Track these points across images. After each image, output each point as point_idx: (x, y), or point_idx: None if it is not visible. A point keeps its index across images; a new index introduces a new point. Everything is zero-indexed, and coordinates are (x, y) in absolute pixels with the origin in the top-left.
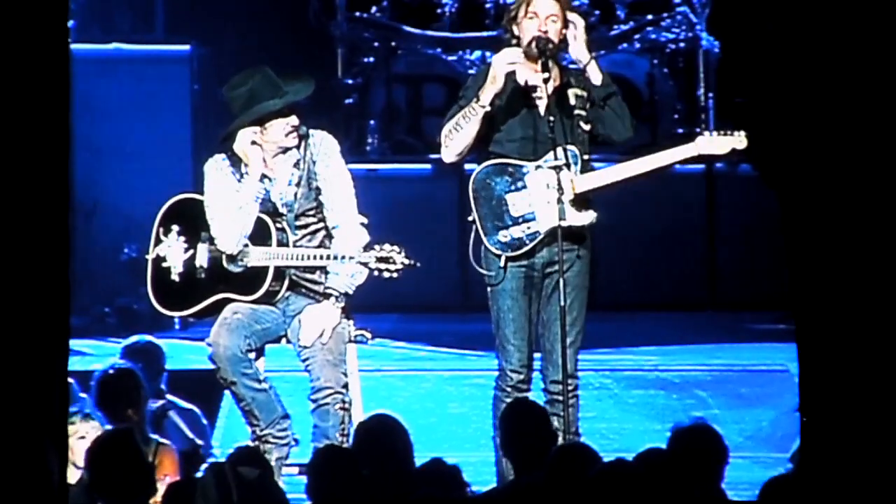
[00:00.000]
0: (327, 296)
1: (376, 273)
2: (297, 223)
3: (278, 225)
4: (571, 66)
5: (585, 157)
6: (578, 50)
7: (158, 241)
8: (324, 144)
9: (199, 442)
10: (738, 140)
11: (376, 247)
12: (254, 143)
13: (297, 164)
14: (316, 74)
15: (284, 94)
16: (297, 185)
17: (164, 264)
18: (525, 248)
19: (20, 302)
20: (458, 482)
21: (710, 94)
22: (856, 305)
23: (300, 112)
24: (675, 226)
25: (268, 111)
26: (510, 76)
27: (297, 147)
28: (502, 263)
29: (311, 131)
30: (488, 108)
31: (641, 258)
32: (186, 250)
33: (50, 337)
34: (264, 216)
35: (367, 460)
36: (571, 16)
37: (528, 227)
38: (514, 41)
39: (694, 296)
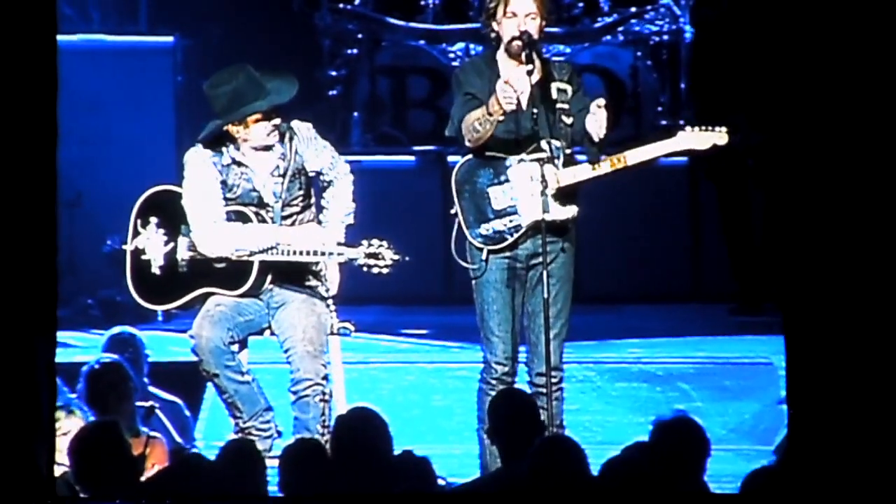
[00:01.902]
0: (312, 288)
1: (365, 269)
2: (283, 213)
3: (262, 218)
4: (555, 59)
5: (568, 150)
6: (595, 128)
7: (136, 234)
8: (305, 133)
9: (180, 440)
10: (719, 135)
11: (364, 242)
12: None
13: (282, 157)
14: (300, 66)
15: (268, 93)
16: (283, 175)
17: (144, 257)
18: (507, 242)
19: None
20: (428, 474)
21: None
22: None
23: (283, 109)
24: (659, 218)
25: (253, 112)
26: (495, 71)
27: (280, 142)
28: (485, 256)
29: (291, 125)
30: (501, 119)
31: (626, 251)
32: (167, 243)
33: (36, 329)
34: (248, 210)
35: (345, 453)
36: (599, 103)
37: (510, 221)
38: (493, 36)
39: (678, 288)
